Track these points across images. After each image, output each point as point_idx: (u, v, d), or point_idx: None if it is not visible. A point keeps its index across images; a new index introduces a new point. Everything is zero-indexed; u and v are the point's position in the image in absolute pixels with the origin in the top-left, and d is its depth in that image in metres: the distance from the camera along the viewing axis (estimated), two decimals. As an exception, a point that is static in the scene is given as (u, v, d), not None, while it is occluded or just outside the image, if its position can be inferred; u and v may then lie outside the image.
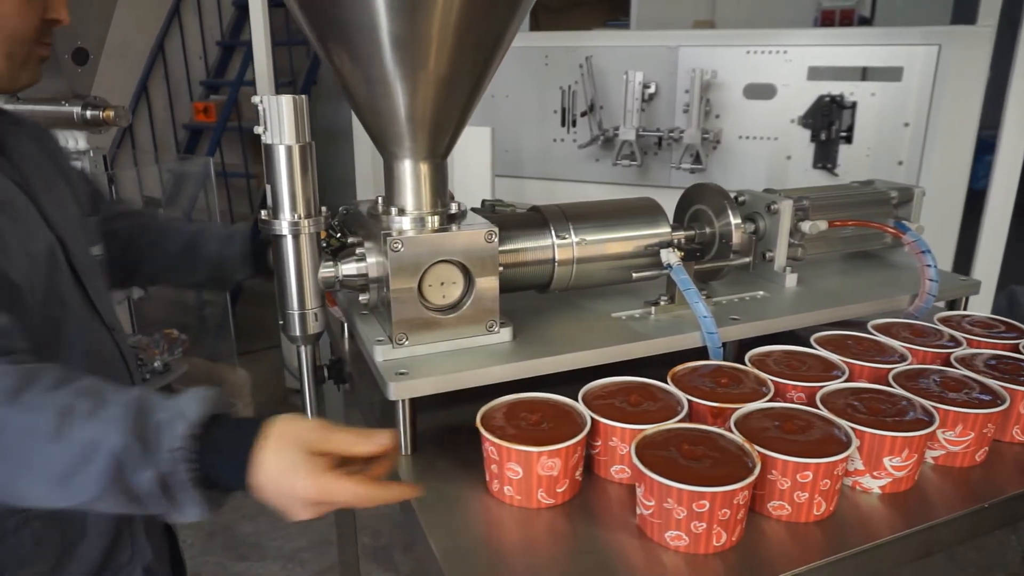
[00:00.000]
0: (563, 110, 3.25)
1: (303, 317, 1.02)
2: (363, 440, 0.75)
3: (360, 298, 1.06)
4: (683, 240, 1.19)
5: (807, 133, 2.88)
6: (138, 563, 1.12)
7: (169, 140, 4.57)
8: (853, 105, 2.80)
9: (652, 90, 3.01)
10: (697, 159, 2.94)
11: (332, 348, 1.47)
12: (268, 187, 0.98)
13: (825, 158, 2.87)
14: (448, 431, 1.04)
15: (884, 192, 1.42)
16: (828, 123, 2.83)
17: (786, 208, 1.28)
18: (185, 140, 4.60)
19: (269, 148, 0.95)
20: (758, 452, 0.81)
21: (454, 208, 1.07)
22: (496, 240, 1.01)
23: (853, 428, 0.86)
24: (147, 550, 1.14)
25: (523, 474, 0.84)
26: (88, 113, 2.16)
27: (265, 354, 3.85)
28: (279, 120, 0.94)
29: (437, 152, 1.05)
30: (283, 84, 4.30)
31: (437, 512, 0.86)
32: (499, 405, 0.93)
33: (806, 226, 1.28)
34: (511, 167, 3.41)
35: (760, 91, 2.91)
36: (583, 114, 3.18)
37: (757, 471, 0.78)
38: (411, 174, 1.04)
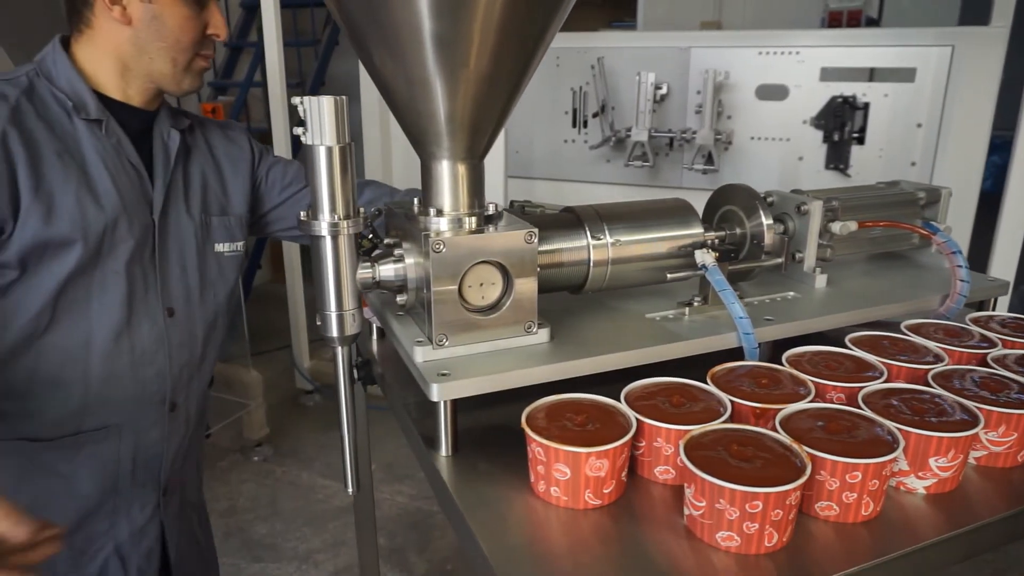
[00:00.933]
0: (574, 111, 3.25)
1: (341, 318, 1.02)
2: (17, 528, 0.82)
3: (398, 299, 1.06)
4: (716, 241, 1.19)
5: (819, 134, 2.89)
6: (110, 540, 1.30)
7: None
8: (865, 106, 2.81)
9: (664, 91, 3.01)
10: (709, 160, 2.95)
11: (358, 349, 1.47)
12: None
13: (837, 159, 2.88)
14: (485, 432, 1.04)
15: (912, 193, 1.42)
16: (840, 124, 2.83)
17: (816, 209, 1.28)
18: (193, 141, 4.59)
19: (309, 149, 0.95)
20: (807, 452, 0.81)
21: (491, 209, 1.07)
22: (536, 241, 1.01)
23: (899, 428, 0.86)
24: (124, 530, 1.31)
25: (571, 475, 0.84)
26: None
27: (275, 355, 3.85)
28: (320, 121, 0.94)
29: (475, 153, 1.05)
30: (292, 85, 4.30)
31: (483, 513, 0.86)
32: (541, 406, 0.93)
33: (836, 227, 1.29)
34: (522, 168, 3.41)
35: (772, 92, 2.92)
36: (595, 115, 3.18)
37: (808, 471, 0.78)
38: (449, 175, 1.04)
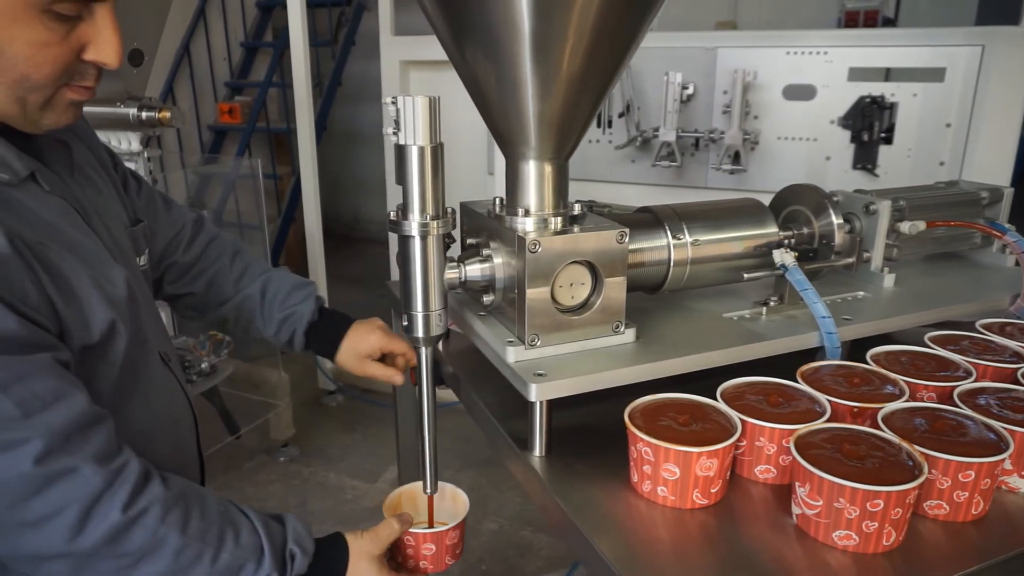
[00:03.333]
0: (599, 111, 3.25)
1: (427, 319, 1.02)
2: (397, 530, 1.01)
3: (484, 299, 1.06)
4: (791, 241, 1.19)
5: (846, 134, 2.89)
6: None
7: (194, 141, 4.56)
8: (891, 106, 2.81)
9: (691, 91, 3.01)
10: (736, 160, 2.95)
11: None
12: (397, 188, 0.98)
13: (865, 159, 2.88)
14: (569, 432, 1.03)
15: (975, 192, 1.42)
16: (869, 124, 2.83)
17: (884, 209, 1.28)
18: (210, 141, 4.59)
19: (401, 149, 0.94)
20: (919, 452, 0.81)
21: (576, 209, 1.07)
22: (627, 241, 1.01)
23: (1005, 428, 0.86)
24: None
25: (680, 475, 0.84)
26: (144, 114, 2.15)
27: (296, 355, 3.84)
28: (413, 121, 0.93)
29: (562, 153, 1.05)
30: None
31: (591, 515, 0.86)
32: (637, 406, 0.93)
33: (905, 226, 1.29)
34: (547, 168, 3.41)
35: (800, 92, 2.92)
36: (620, 115, 3.18)
37: (926, 470, 0.78)
38: (536, 174, 1.04)
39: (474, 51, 0.98)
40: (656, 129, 3.03)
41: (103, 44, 0.81)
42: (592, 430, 1.05)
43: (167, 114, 2.14)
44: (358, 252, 6.02)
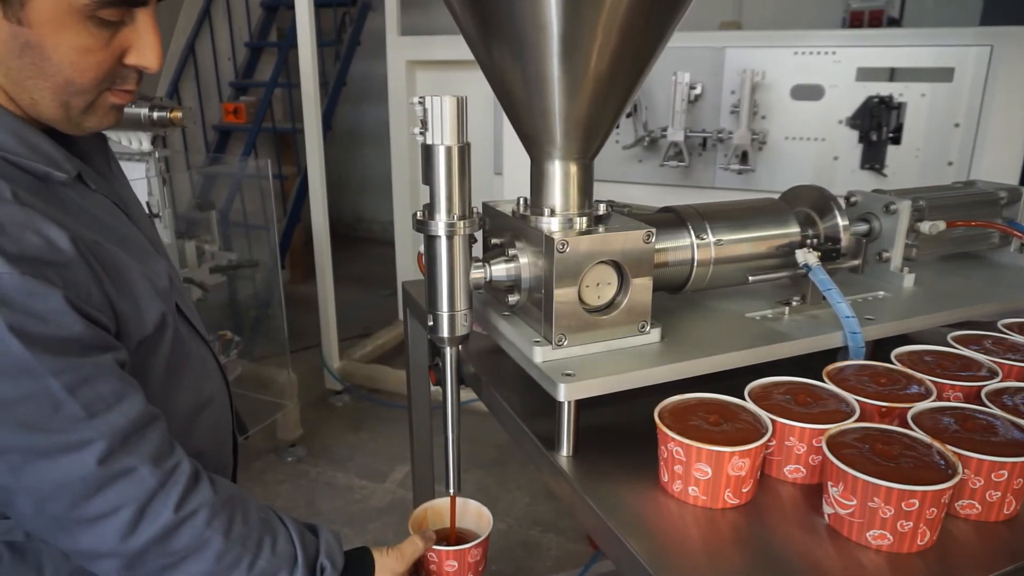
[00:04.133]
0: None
1: (452, 319, 1.02)
2: (420, 548, 1.03)
3: (509, 299, 1.05)
4: (814, 241, 1.19)
5: (854, 134, 2.89)
6: None
7: (198, 141, 4.55)
8: (899, 106, 2.81)
9: (698, 91, 3.02)
10: (744, 160, 2.95)
11: (435, 349, 1.46)
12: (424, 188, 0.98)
13: (873, 159, 2.88)
14: (594, 431, 1.03)
15: (993, 192, 1.42)
16: (877, 124, 2.84)
17: (904, 208, 1.28)
18: (215, 141, 4.58)
19: (429, 149, 0.94)
20: (952, 451, 0.81)
21: (601, 209, 1.07)
22: (653, 241, 1.01)
23: (1035, 427, 0.86)
24: None
25: (712, 474, 0.84)
26: (155, 114, 2.15)
27: (302, 355, 3.84)
28: (440, 121, 0.94)
29: (588, 152, 1.05)
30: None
31: (622, 515, 0.86)
32: (666, 406, 0.93)
33: (925, 226, 1.29)
34: (554, 168, 3.41)
35: (807, 92, 2.92)
36: (628, 115, 3.18)
37: (960, 469, 0.78)
38: (561, 174, 1.04)
39: (501, 50, 0.98)
40: (664, 129, 3.03)
41: (144, 48, 0.82)
42: (616, 429, 1.05)
43: (179, 114, 2.14)
44: (360, 252, 6.02)
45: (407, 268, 3.91)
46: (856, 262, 1.28)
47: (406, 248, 3.86)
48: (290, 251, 4.75)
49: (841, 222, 1.24)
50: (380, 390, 3.64)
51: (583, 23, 0.91)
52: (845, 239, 1.24)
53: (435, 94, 0.94)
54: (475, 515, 1.16)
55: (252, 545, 0.86)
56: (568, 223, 1.04)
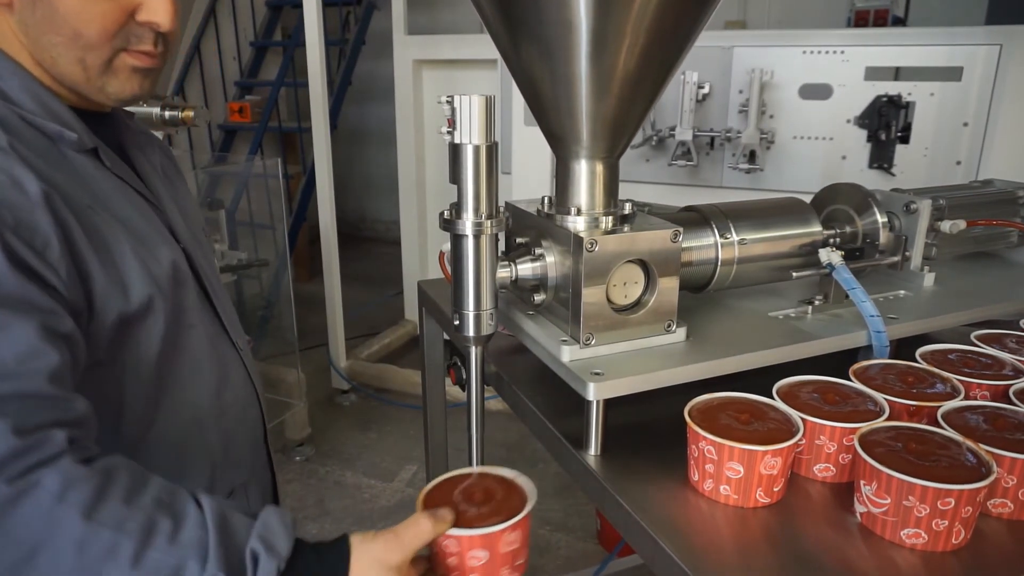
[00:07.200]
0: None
1: (478, 318, 1.02)
2: (427, 531, 0.78)
3: (535, 298, 1.06)
4: (836, 239, 1.19)
5: (862, 133, 2.89)
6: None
7: (204, 140, 4.55)
8: (907, 105, 2.81)
9: (706, 90, 3.02)
10: (752, 159, 2.95)
11: (453, 349, 1.46)
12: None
13: (881, 158, 2.88)
14: (620, 430, 1.03)
15: (1011, 192, 1.43)
16: (885, 123, 2.84)
17: (925, 208, 1.29)
18: (220, 140, 4.58)
19: (457, 148, 0.94)
20: (985, 450, 0.81)
21: (627, 209, 1.07)
22: (680, 240, 1.01)
23: (1066, 426, 0.87)
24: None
25: (744, 473, 0.85)
26: (167, 113, 2.15)
27: (308, 354, 3.84)
28: (469, 119, 0.93)
29: (614, 152, 1.05)
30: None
31: (654, 514, 0.86)
32: (696, 405, 0.93)
33: (945, 226, 1.29)
34: (561, 167, 3.41)
35: (816, 91, 2.92)
36: (635, 114, 3.19)
37: (995, 468, 0.78)
38: (587, 173, 1.04)
39: (530, 49, 0.98)
40: (672, 128, 3.03)
41: (154, 3, 0.85)
42: (642, 428, 1.05)
43: (190, 113, 2.13)
44: (364, 252, 6.02)
45: (413, 268, 3.91)
46: (895, 259, 1.27)
47: (412, 247, 3.86)
48: (295, 250, 4.75)
49: (880, 219, 1.24)
50: (387, 389, 3.64)
51: (612, 22, 0.91)
52: (884, 236, 1.24)
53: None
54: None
55: (135, 530, 0.68)
56: (594, 222, 1.04)
